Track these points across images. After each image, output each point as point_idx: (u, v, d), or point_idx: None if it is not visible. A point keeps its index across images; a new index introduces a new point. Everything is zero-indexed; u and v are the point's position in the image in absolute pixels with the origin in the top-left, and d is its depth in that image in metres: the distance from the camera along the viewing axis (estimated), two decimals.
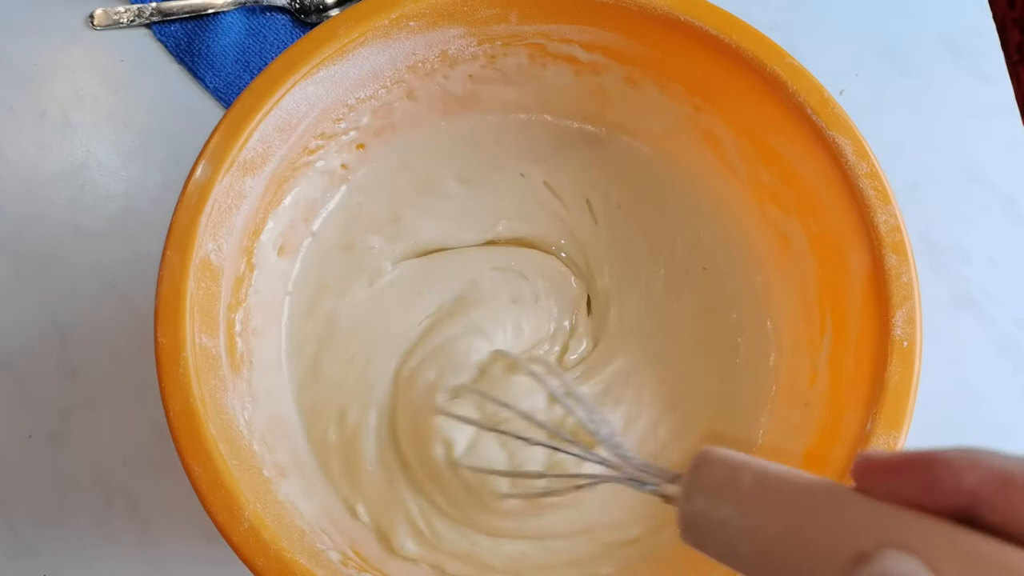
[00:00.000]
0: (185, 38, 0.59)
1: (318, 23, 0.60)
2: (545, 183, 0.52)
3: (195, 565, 0.49)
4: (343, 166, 0.50)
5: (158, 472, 0.50)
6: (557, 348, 0.50)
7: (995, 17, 0.64)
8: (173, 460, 0.37)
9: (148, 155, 0.57)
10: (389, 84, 0.48)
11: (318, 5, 0.60)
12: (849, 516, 0.23)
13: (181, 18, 0.59)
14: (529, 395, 0.46)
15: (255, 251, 0.46)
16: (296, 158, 0.46)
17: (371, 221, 0.50)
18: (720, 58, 0.44)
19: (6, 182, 0.56)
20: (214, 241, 0.41)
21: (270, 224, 0.46)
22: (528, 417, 0.42)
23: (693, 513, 0.27)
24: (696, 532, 0.27)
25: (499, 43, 0.47)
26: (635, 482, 0.32)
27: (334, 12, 0.60)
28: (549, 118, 0.52)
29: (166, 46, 0.59)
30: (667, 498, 0.30)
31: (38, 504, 0.50)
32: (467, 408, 0.46)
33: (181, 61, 0.59)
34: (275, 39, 0.60)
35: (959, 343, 0.55)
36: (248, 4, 0.60)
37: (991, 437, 0.54)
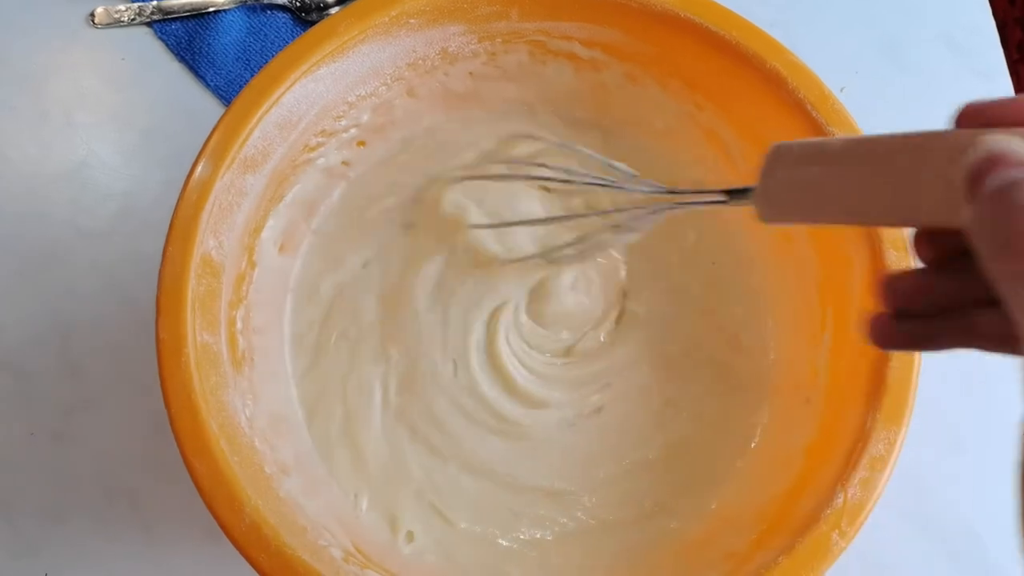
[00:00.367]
0: (186, 36, 0.59)
1: (318, 21, 0.59)
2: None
3: (197, 563, 0.49)
4: (344, 163, 0.50)
5: (160, 470, 0.50)
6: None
7: (995, 15, 0.64)
8: (175, 458, 0.37)
9: (149, 154, 0.57)
10: (390, 81, 0.48)
11: (319, 3, 0.60)
12: (951, 135, 0.25)
13: (182, 16, 0.59)
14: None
15: (256, 248, 0.46)
16: (297, 155, 0.46)
17: (372, 219, 0.50)
18: (721, 55, 0.44)
19: (7, 181, 0.56)
20: (215, 238, 0.41)
21: (271, 221, 0.46)
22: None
23: (777, 182, 0.30)
24: (778, 199, 0.31)
25: (499, 40, 0.47)
26: (701, 200, 0.36)
27: (335, 10, 0.60)
28: (550, 115, 0.52)
29: (167, 44, 0.59)
30: (735, 194, 0.35)
31: (40, 503, 0.50)
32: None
33: (182, 59, 0.59)
34: (276, 37, 0.60)
35: None
36: (249, 2, 0.60)
37: (993, 431, 0.54)
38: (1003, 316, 0.22)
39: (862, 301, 0.42)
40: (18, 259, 0.54)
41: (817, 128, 0.42)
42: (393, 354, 0.48)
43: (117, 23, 0.59)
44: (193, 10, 0.59)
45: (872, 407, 0.38)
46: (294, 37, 0.58)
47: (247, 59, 0.59)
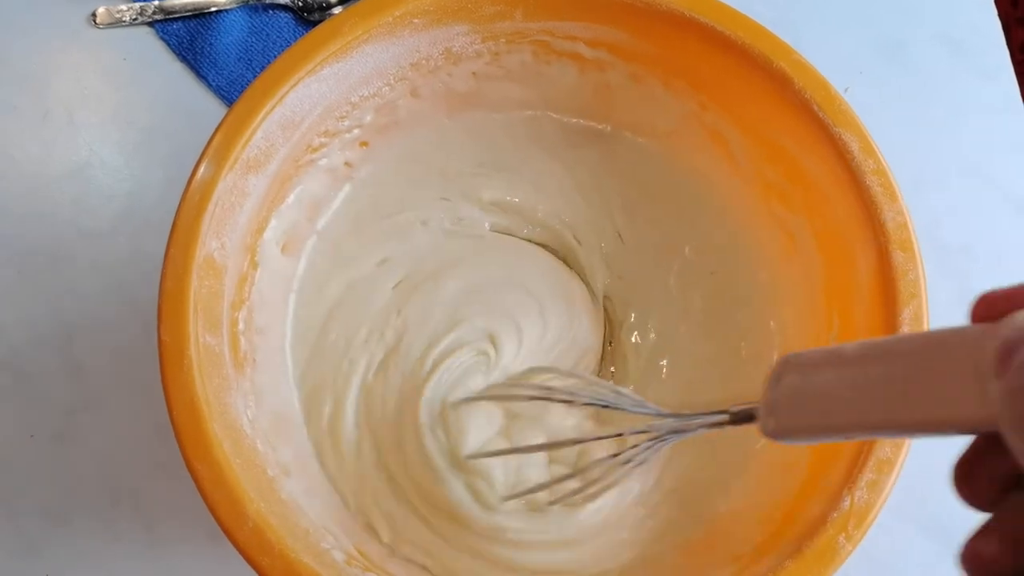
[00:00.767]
0: (188, 36, 0.59)
1: (321, 21, 0.59)
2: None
3: (200, 565, 0.49)
4: (347, 164, 0.50)
5: (163, 472, 0.50)
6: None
7: (999, 16, 0.64)
8: (178, 460, 0.37)
9: (151, 154, 0.57)
10: (393, 82, 0.48)
11: (321, 3, 0.60)
12: (974, 327, 0.23)
13: (183, 16, 0.59)
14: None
15: (258, 249, 0.45)
16: (299, 156, 0.46)
17: (376, 219, 0.50)
18: (726, 55, 0.43)
19: (10, 182, 0.56)
20: (217, 239, 0.41)
21: (273, 222, 0.46)
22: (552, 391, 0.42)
23: (785, 392, 0.28)
24: (787, 412, 0.28)
25: (503, 40, 0.47)
26: (704, 423, 0.33)
27: (337, 10, 0.60)
28: (553, 115, 0.52)
29: (169, 44, 0.59)
30: (739, 415, 0.31)
31: (43, 504, 0.50)
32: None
33: (184, 59, 0.59)
34: (278, 37, 0.59)
35: None
36: (251, 2, 0.60)
37: None
38: None
39: (868, 303, 0.41)
40: (20, 259, 0.54)
41: (823, 128, 0.42)
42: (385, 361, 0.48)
43: (119, 23, 0.59)
44: (195, 10, 0.59)
45: None
46: (296, 37, 0.58)
47: (249, 59, 0.58)
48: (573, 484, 0.43)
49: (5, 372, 0.52)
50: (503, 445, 0.46)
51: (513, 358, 0.48)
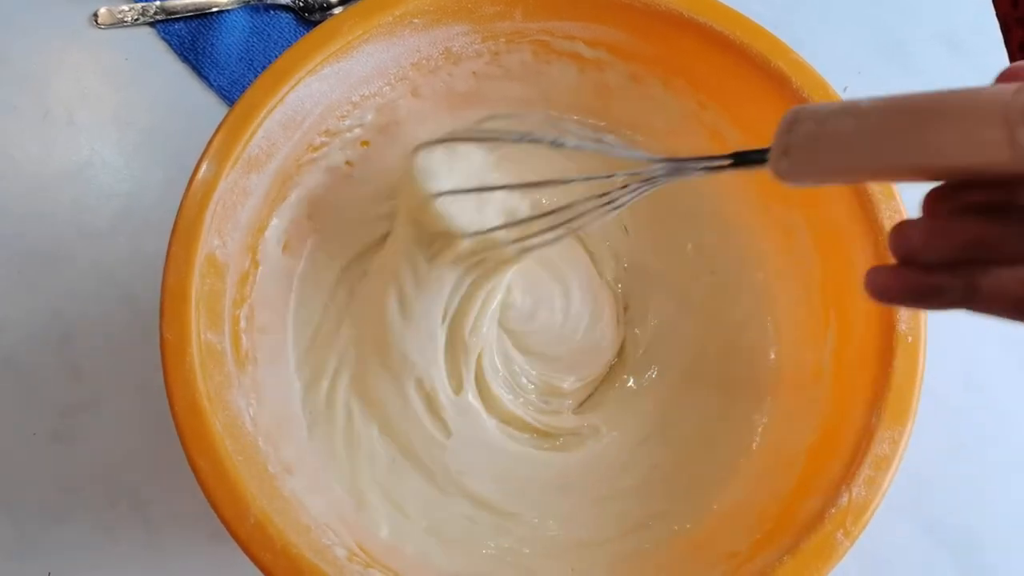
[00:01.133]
0: (189, 36, 0.59)
1: (322, 21, 0.59)
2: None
3: (200, 564, 0.49)
4: (348, 163, 0.50)
5: (162, 471, 0.50)
6: None
7: (998, 16, 0.64)
8: (177, 458, 0.37)
9: (151, 154, 0.57)
10: (393, 81, 0.48)
11: (322, 3, 0.60)
12: (996, 86, 0.25)
13: (185, 16, 0.60)
14: None
15: (260, 248, 0.46)
16: (301, 155, 0.46)
17: (377, 218, 0.51)
18: (724, 54, 0.44)
19: (10, 181, 0.56)
20: (219, 238, 0.41)
21: (275, 221, 0.46)
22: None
23: (800, 137, 0.28)
24: (801, 156, 0.28)
25: (503, 40, 0.47)
26: (704, 166, 0.33)
27: (338, 10, 0.60)
28: (553, 115, 0.52)
29: (170, 44, 0.59)
30: (746, 156, 0.32)
31: (42, 503, 0.50)
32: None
33: (185, 59, 0.59)
34: (279, 37, 0.60)
35: (963, 336, 0.55)
36: (252, 2, 0.60)
37: (995, 429, 0.54)
38: (1016, 278, 0.22)
39: (865, 299, 0.42)
40: (20, 259, 0.54)
41: None
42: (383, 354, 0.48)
43: (120, 23, 0.59)
44: (196, 10, 0.59)
45: (876, 406, 0.39)
46: (297, 37, 0.59)
47: (250, 59, 0.59)
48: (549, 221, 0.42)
49: (5, 371, 0.52)
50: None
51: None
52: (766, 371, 0.48)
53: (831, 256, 0.45)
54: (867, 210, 0.41)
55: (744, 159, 0.33)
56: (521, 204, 0.48)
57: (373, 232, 0.51)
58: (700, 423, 0.48)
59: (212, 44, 0.59)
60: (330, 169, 0.49)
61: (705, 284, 0.51)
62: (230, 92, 0.58)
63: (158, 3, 0.59)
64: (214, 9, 0.59)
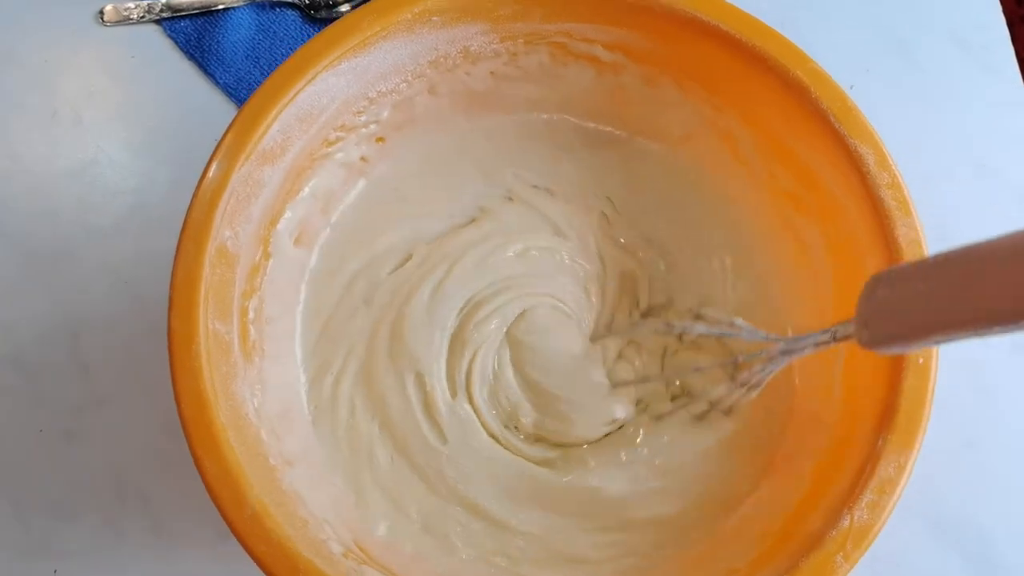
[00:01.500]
0: (195, 34, 0.59)
1: (328, 19, 0.60)
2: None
3: (207, 562, 0.49)
4: (362, 159, 0.50)
5: (171, 469, 0.50)
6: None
7: (1005, 14, 0.64)
8: (185, 457, 0.37)
9: (158, 151, 0.57)
10: (411, 79, 0.48)
11: (327, 1, 0.60)
12: None
13: (191, 14, 0.60)
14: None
15: (272, 240, 0.46)
16: (315, 149, 0.46)
17: (390, 214, 0.51)
18: (743, 61, 0.43)
19: (17, 179, 0.56)
20: (231, 229, 0.41)
21: (288, 214, 0.47)
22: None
23: (877, 303, 0.30)
24: (880, 319, 0.30)
25: (521, 41, 0.47)
26: (812, 343, 0.36)
27: (344, 8, 0.60)
28: (571, 119, 0.52)
29: (176, 42, 0.59)
30: (840, 332, 0.34)
31: (51, 501, 0.50)
32: None
33: (191, 57, 0.59)
34: (285, 35, 0.60)
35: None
36: (258, 0, 0.60)
37: (1004, 428, 0.54)
38: None
39: None
40: (27, 257, 0.54)
41: (839, 139, 0.41)
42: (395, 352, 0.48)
43: (126, 21, 0.59)
44: (202, 8, 0.59)
45: (884, 429, 0.38)
46: (303, 35, 0.59)
47: (256, 57, 0.59)
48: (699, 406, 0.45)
49: (14, 369, 0.52)
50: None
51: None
52: (780, 398, 0.47)
53: (845, 269, 0.44)
54: (883, 225, 0.40)
55: (840, 335, 0.35)
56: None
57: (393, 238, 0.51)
58: (707, 462, 0.47)
59: (218, 41, 0.59)
60: (345, 164, 0.49)
61: (725, 296, 0.50)
62: (236, 90, 0.58)
63: (164, 0, 0.59)
64: (220, 6, 0.59)
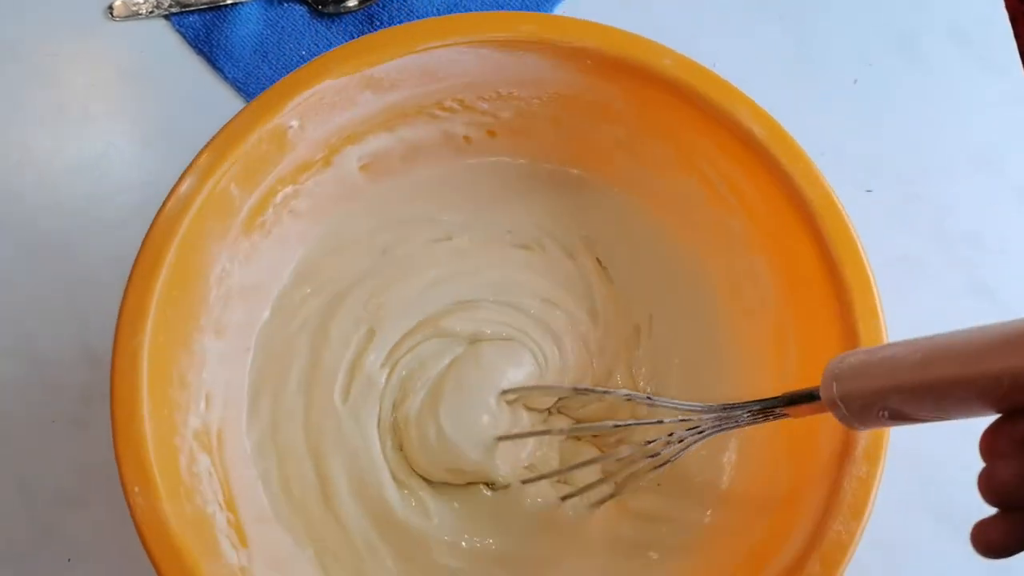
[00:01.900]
0: (204, 29, 0.60)
1: (335, 14, 0.60)
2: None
3: None
4: (465, 138, 0.51)
5: None
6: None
7: (1007, 8, 0.64)
8: None
9: (166, 146, 0.57)
10: (544, 98, 0.48)
11: None
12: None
13: (199, 9, 0.60)
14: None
15: (339, 152, 0.48)
16: (426, 106, 0.48)
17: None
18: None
19: (25, 173, 0.57)
20: (300, 120, 0.44)
21: (369, 139, 0.48)
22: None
23: (850, 364, 0.32)
24: (853, 376, 0.31)
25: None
26: (752, 411, 0.36)
27: (351, 3, 0.60)
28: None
29: (185, 37, 0.60)
30: (795, 395, 0.35)
31: (62, 489, 0.51)
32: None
33: (200, 52, 0.60)
34: (293, 30, 0.60)
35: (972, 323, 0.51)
36: None
37: None
38: None
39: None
40: (35, 249, 0.56)
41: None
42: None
43: (135, 15, 0.60)
44: (210, 2, 0.60)
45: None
46: (311, 30, 0.60)
47: (264, 52, 0.59)
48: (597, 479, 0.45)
49: (24, 360, 0.53)
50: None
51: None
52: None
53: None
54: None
55: (795, 398, 0.35)
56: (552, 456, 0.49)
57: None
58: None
59: (227, 36, 0.59)
60: (446, 133, 0.50)
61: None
62: (245, 84, 0.59)
63: None
64: (228, 1, 0.60)
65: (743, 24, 0.62)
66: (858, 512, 0.36)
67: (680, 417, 0.42)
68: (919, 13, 0.63)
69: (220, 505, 0.42)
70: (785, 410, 0.36)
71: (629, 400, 0.44)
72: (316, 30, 0.60)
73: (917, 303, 0.52)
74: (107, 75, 0.60)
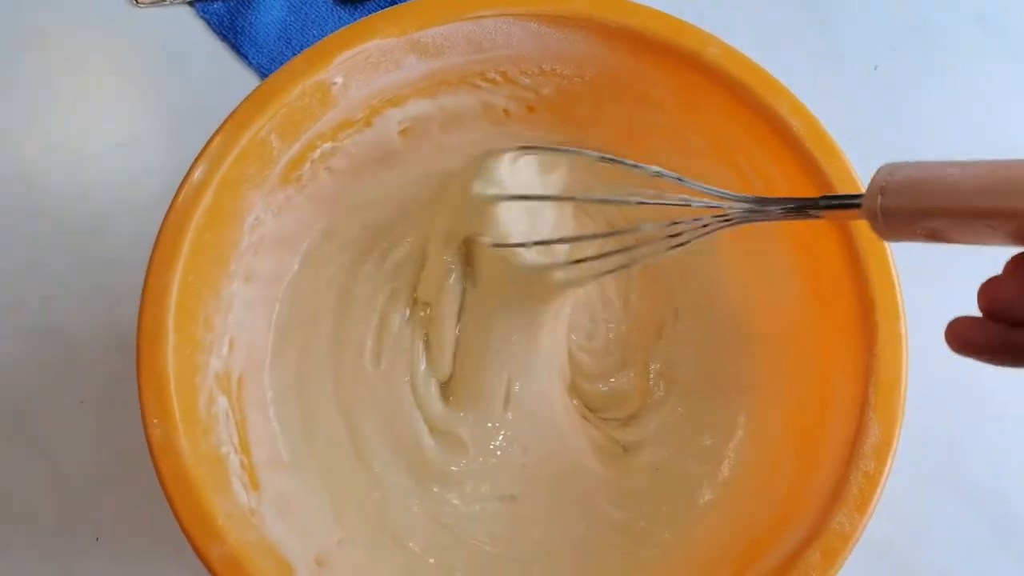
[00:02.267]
0: (227, 15, 0.60)
1: (358, 1, 0.61)
2: None
3: None
4: (505, 111, 0.51)
5: None
6: None
7: None
8: None
9: (190, 131, 0.55)
10: (587, 77, 0.48)
11: None
12: None
13: None
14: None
15: (380, 113, 0.48)
16: (468, 76, 0.48)
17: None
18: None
19: (51, 159, 0.58)
20: (344, 76, 0.44)
21: (410, 104, 0.49)
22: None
23: (899, 177, 0.29)
24: (900, 191, 0.29)
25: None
26: (785, 207, 0.34)
27: None
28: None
29: (208, 23, 0.61)
30: (836, 199, 0.32)
31: (91, 470, 0.51)
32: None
33: (224, 38, 0.60)
34: (315, 16, 0.61)
35: None
36: None
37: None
38: None
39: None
40: (63, 233, 0.56)
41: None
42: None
43: (159, 2, 0.61)
44: None
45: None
46: (333, 16, 0.60)
47: (288, 37, 0.60)
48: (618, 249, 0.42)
49: (53, 342, 0.54)
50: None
51: None
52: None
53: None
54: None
55: (835, 201, 0.33)
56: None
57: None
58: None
59: (250, 22, 0.60)
60: (486, 104, 0.50)
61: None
62: (268, 69, 0.59)
63: None
64: None
65: (765, 9, 0.63)
66: (863, 506, 0.36)
67: (709, 203, 0.38)
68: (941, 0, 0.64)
69: (235, 447, 0.43)
70: (822, 212, 0.33)
71: (658, 177, 0.39)
72: (339, 16, 0.61)
73: (940, 290, 0.52)
74: (132, 61, 0.61)
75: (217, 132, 0.42)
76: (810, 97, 0.44)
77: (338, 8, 0.62)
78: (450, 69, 0.47)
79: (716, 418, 0.49)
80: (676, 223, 0.38)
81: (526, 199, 0.45)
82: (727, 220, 0.36)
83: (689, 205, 0.38)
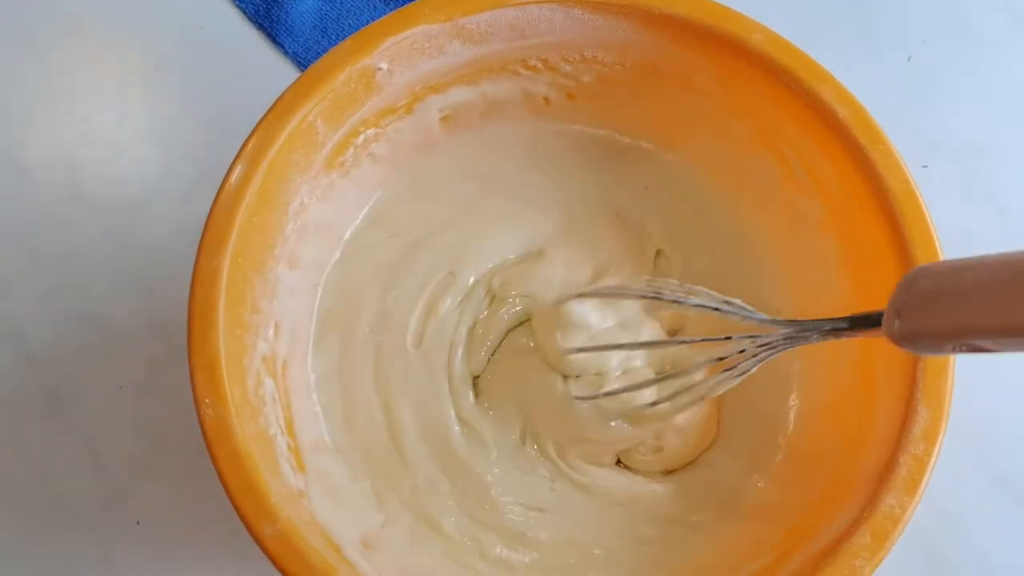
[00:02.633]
0: (264, 4, 0.60)
1: None
2: None
3: None
4: (545, 99, 0.51)
5: None
6: None
7: None
8: None
9: (226, 120, 0.55)
10: (628, 64, 0.48)
11: None
12: None
13: None
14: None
15: (421, 99, 0.48)
16: (510, 62, 0.48)
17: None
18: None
19: (89, 146, 0.58)
20: (388, 63, 0.44)
21: (453, 90, 0.49)
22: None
23: (917, 294, 0.28)
24: (918, 311, 0.28)
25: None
26: (821, 329, 0.35)
27: None
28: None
29: (245, 12, 0.61)
30: (861, 319, 0.33)
31: (130, 454, 0.52)
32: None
33: (260, 27, 0.60)
34: (352, 5, 0.60)
35: None
36: None
37: None
38: None
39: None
40: (102, 220, 0.57)
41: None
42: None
43: None
44: None
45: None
46: (369, 5, 0.60)
47: (324, 27, 0.60)
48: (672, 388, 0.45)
49: (92, 327, 0.54)
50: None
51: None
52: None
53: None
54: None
55: (861, 322, 0.34)
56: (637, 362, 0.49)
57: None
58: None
59: (286, 11, 0.60)
60: (526, 92, 0.51)
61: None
62: (305, 59, 0.59)
63: None
64: None
65: None
66: (912, 488, 0.37)
67: (749, 334, 0.40)
68: None
69: (281, 429, 0.43)
70: (856, 332, 0.34)
71: (700, 309, 0.41)
72: (375, 6, 0.61)
73: None
74: (168, 50, 0.61)
75: (265, 116, 0.42)
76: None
77: None
78: (492, 56, 0.47)
79: (768, 406, 0.49)
80: (723, 359, 0.41)
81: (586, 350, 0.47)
82: (771, 348, 0.38)
83: (730, 339, 0.40)
